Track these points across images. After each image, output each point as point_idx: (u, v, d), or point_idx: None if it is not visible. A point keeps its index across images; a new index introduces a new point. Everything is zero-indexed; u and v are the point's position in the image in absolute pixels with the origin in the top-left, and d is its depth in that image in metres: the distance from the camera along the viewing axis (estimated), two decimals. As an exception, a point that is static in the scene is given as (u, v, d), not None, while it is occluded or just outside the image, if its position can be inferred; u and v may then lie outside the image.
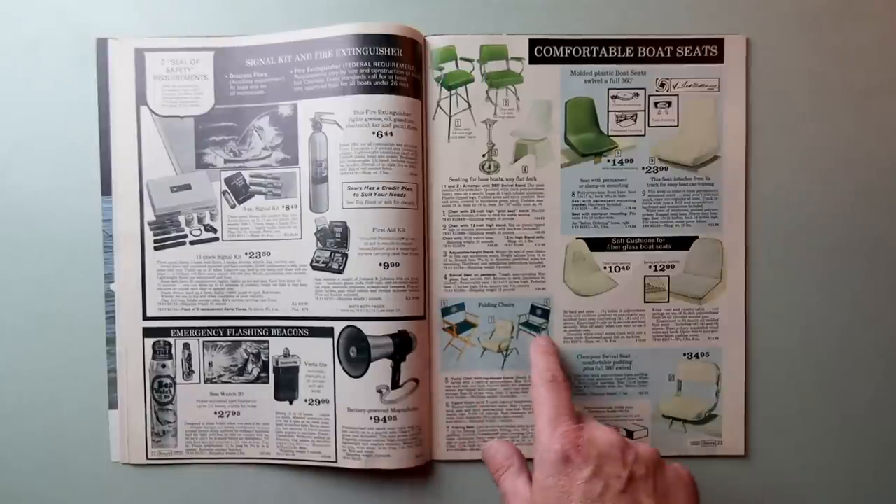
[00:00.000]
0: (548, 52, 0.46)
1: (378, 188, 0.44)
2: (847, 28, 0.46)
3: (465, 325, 0.47)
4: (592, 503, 0.35)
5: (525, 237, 0.46)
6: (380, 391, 0.45)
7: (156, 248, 0.46)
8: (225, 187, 0.46)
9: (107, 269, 0.46)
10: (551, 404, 0.39)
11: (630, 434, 0.47)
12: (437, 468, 0.47)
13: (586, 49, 0.46)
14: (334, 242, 0.45)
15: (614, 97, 0.46)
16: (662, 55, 0.46)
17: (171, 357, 0.47)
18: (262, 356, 0.46)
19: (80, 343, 0.46)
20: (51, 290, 0.46)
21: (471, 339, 0.47)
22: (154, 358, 0.47)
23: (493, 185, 0.46)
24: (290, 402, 0.46)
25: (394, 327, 0.45)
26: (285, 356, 0.46)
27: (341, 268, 0.45)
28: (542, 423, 0.38)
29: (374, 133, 0.44)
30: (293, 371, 0.46)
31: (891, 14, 0.46)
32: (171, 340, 0.47)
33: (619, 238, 0.46)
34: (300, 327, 0.46)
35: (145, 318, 0.46)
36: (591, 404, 0.47)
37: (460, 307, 0.47)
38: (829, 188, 0.47)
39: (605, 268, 0.47)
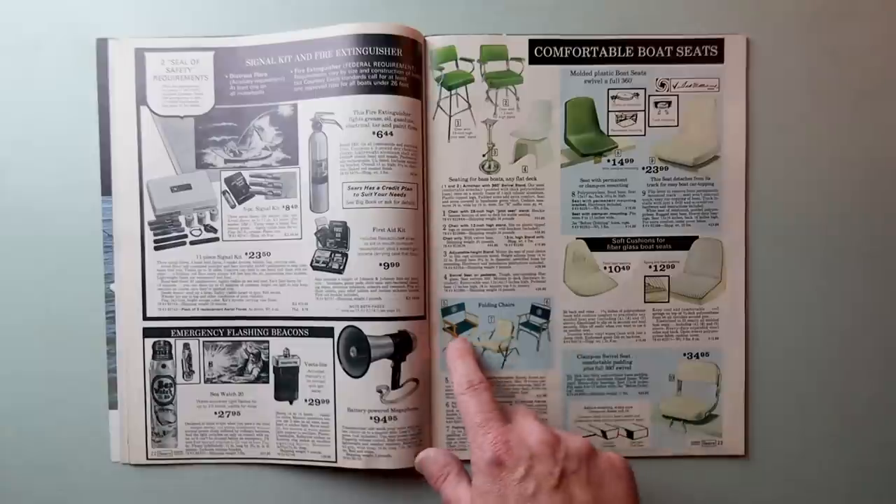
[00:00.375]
0: (548, 52, 0.46)
1: (378, 188, 0.44)
2: (847, 28, 0.46)
3: (466, 325, 0.47)
4: (527, 502, 0.35)
5: (525, 237, 0.46)
6: (380, 391, 0.45)
7: (156, 248, 0.46)
8: (225, 187, 0.46)
9: (107, 269, 0.46)
10: (475, 410, 0.39)
11: (630, 434, 0.47)
12: (437, 468, 0.47)
13: (586, 49, 0.46)
14: (334, 242, 0.45)
15: (614, 97, 0.46)
16: (662, 55, 0.46)
17: (171, 357, 0.47)
18: (263, 356, 0.46)
19: (80, 343, 0.46)
20: (51, 290, 0.46)
21: (471, 338, 0.47)
22: (154, 358, 0.47)
23: (493, 185, 0.46)
24: (291, 402, 0.46)
25: (394, 327, 0.45)
26: (285, 356, 0.46)
27: (341, 268, 0.45)
28: (472, 431, 0.39)
29: (374, 133, 0.44)
30: (293, 371, 0.46)
31: (890, 14, 0.46)
32: (172, 340, 0.47)
33: (619, 238, 0.46)
34: (300, 327, 0.46)
35: (145, 318, 0.46)
36: (591, 404, 0.47)
37: (460, 307, 0.47)
38: (828, 188, 0.47)
39: (605, 268, 0.47)
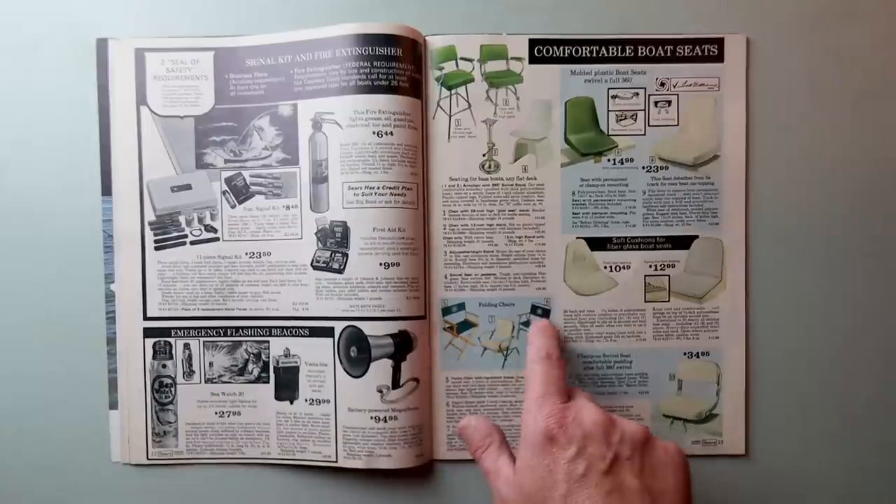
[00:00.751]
0: (548, 51, 0.46)
1: (378, 188, 0.44)
2: (847, 28, 0.46)
3: (466, 325, 0.47)
4: (576, 483, 0.35)
5: (525, 237, 0.46)
6: (380, 391, 0.45)
7: (156, 248, 0.46)
8: (225, 187, 0.46)
9: (107, 270, 0.46)
10: (541, 381, 0.39)
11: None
12: (437, 468, 0.47)
13: (586, 49, 0.46)
14: (335, 242, 0.45)
15: (614, 97, 0.46)
16: (662, 54, 0.46)
17: (171, 357, 0.47)
18: (263, 356, 0.46)
19: (80, 343, 0.46)
20: (51, 290, 0.46)
21: (471, 338, 0.47)
22: (154, 358, 0.47)
23: (494, 185, 0.46)
24: (291, 402, 0.46)
25: (394, 327, 0.45)
26: (286, 356, 0.46)
27: (342, 267, 0.45)
28: (530, 402, 0.38)
29: (374, 133, 0.44)
30: (294, 371, 0.46)
31: (890, 14, 0.46)
32: (172, 340, 0.47)
33: (620, 237, 0.46)
34: (301, 327, 0.46)
35: (146, 318, 0.46)
36: (592, 404, 0.47)
37: (461, 307, 0.47)
38: (828, 187, 0.47)
39: (605, 267, 0.47)
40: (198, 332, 0.47)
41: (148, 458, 0.47)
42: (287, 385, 0.46)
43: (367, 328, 0.44)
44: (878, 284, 0.47)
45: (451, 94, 0.46)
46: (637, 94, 0.46)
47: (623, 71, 0.46)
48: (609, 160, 0.46)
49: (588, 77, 0.46)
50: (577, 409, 0.37)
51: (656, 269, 0.47)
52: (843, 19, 0.46)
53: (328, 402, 0.46)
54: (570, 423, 0.36)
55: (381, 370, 0.44)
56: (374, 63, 0.44)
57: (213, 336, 0.47)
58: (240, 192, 0.46)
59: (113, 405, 0.47)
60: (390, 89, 0.44)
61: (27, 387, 0.47)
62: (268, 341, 0.46)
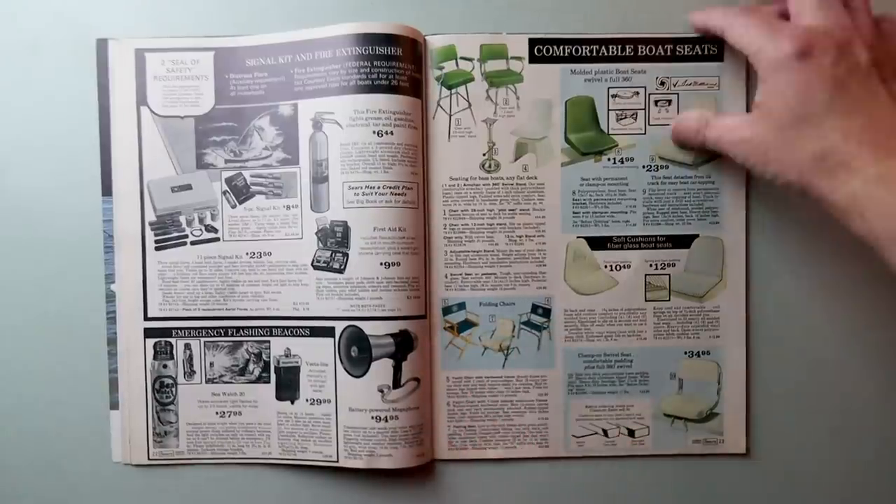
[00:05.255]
0: (548, 51, 0.46)
1: (378, 187, 0.44)
2: (847, 26, 0.46)
3: (466, 325, 0.47)
4: (838, 88, 0.35)
5: (526, 236, 0.46)
6: (381, 391, 0.45)
7: (157, 249, 0.46)
8: (225, 187, 0.46)
9: (107, 270, 0.46)
10: (755, 21, 0.39)
11: (631, 433, 0.47)
12: (438, 467, 0.47)
13: (586, 48, 0.46)
14: (335, 242, 0.45)
15: (614, 96, 0.46)
16: (662, 54, 0.46)
17: (172, 357, 0.47)
18: (264, 356, 0.46)
19: (81, 343, 0.46)
20: (51, 290, 0.46)
21: (472, 338, 0.47)
22: (155, 358, 0.47)
23: (494, 184, 0.46)
24: (292, 402, 0.46)
25: (395, 327, 0.45)
26: (286, 356, 0.46)
27: (342, 267, 0.45)
28: (759, 41, 0.38)
29: (374, 132, 0.44)
30: (294, 371, 0.46)
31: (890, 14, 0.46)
32: (173, 341, 0.47)
33: (620, 237, 0.46)
34: (301, 327, 0.46)
35: (146, 318, 0.46)
36: (593, 403, 0.47)
37: (461, 306, 0.47)
38: (829, 186, 0.47)
39: (605, 266, 0.47)
40: (198, 333, 0.47)
41: (149, 459, 0.47)
42: (288, 385, 0.46)
43: (368, 328, 0.44)
44: (878, 282, 0.47)
45: (451, 94, 0.46)
46: (637, 93, 0.46)
47: (623, 70, 0.46)
48: (609, 159, 0.46)
49: (588, 76, 0.46)
50: (818, 25, 0.37)
51: (657, 269, 0.47)
52: (843, 18, 0.46)
53: (329, 401, 0.46)
54: (818, 34, 0.36)
55: (381, 370, 0.44)
56: (375, 63, 0.44)
57: (214, 336, 0.47)
58: (240, 192, 0.46)
59: (114, 405, 0.47)
60: (390, 89, 0.44)
61: (28, 387, 0.47)
62: (268, 341, 0.46)
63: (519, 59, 0.46)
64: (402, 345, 0.45)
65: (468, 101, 0.46)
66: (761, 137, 0.38)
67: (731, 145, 0.40)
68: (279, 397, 0.46)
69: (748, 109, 0.46)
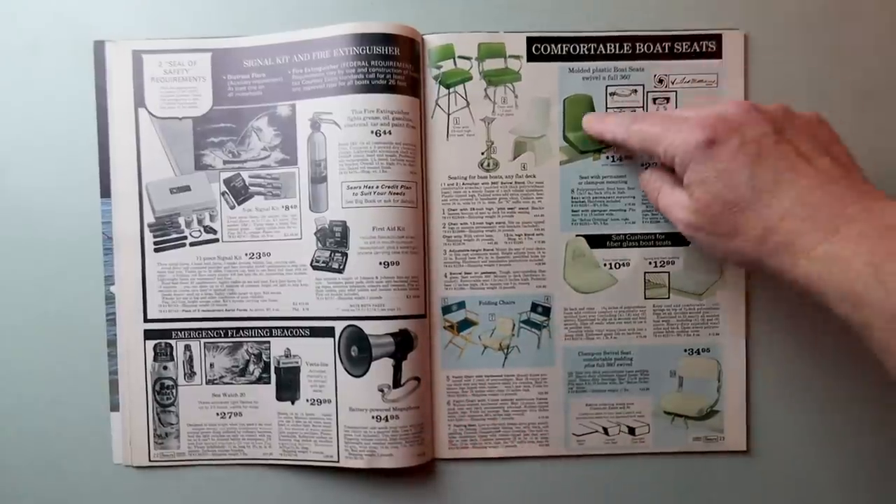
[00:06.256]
0: (545, 49, 0.46)
1: (377, 187, 0.44)
2: (847, 26, 0.46)
3: (466, 324, 0.47)
4: (755, 166, 0.35)
5: (525, 234, 0.46)
6: (381, 390, 0.45)
7: (156, 250, 0.46)
8: (224, 188, 0.46)
9: (107, 272, 0.46)
10: (654, 120, 0.40)
11: (632, 430, 0.47)
12: (438, 466, 0.47)
13: (584, 46, 0.46)
14: (334, 242, 0.45)
15: (612, 94, 0.46)
16: (660, 51, 0.46)
17: (172, 359, 0.47)
18: (264, 357, 0.46)
19: (80, 345, 0.46)
20: (51, 292, 0.46)
21: (471, 337, 0.47)
22: (155, 360, 0.47)
23: (493, 183, 0.46)
24: (292, 403, 0.46)
25: (394, 326, 0.45)
26: (286, 356, 0.46)
27: (341, 267, 0.45)
28: (666, 136, 0.38)
29: (372, 132, 0.44)
30: (294, 371, 0.46)
31: (889, 13, 0.46)
32: (173, 342, 0.47)
33: (619, 235, 0.46)
34: (301, 327, 0.46)
35: (146, 320, 0.46)
36: (593, 401, 0.47)
37: (461, 305, 0.47)
38: (828, 183, 0.47)
39: (605, 264, 0.47)
40: (198, 334, 0.47)
41: (150, 460, 0.47)
42: (288, 385, 0.46)
43: (368, 327, 0.44)
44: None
45: (449, 93, 0.46)
46: (635, 90, 0.46)
47: (621, 68, 0.46)
48: (608, 157, 0.46)
49: (586, 74, 0.46)
50: (711, 111, 0.37)
51: (656, 266, 0.47)
52: (843, 18, 0.46)
53: (329, 401, 0.46)
54: (718, 122, 0.37)
55: (381, 369, 0.44)
56: (372, 62, 0.44)
57: (214, 337, 0.47)
58: (239, 192, 0.46)
59: (114, 407, 0.47)
60: (388, 88, 0.44)
61: (28, 388, 0.47)
62: (268, 342, 0.46)
63: (517, 57, 0.46)
64: (402, 344, 0.45)
65: (466, 100, 0.46)
66: (701, 225, 0.38)
67: (678, 223, 0.40)
68: (279, 398, 0.46)
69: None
